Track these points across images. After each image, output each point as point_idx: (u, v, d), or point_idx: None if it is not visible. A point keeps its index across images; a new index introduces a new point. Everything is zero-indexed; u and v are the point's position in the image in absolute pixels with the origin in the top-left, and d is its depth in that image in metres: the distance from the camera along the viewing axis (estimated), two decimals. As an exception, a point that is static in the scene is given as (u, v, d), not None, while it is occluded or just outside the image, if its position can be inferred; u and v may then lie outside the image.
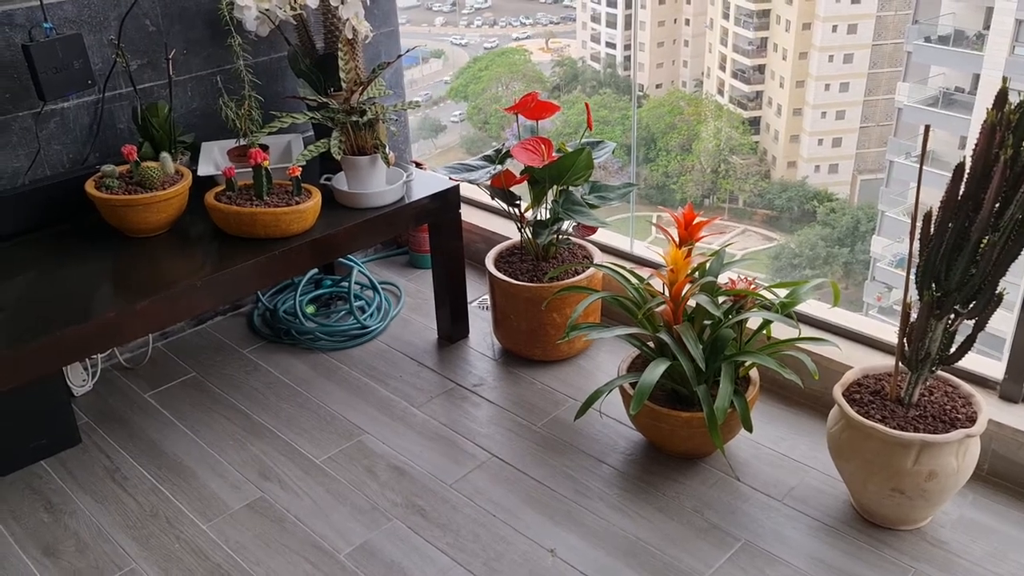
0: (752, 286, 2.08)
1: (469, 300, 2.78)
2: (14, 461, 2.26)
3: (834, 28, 18.04)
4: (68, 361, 1.95)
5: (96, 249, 2.20)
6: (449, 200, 2.52)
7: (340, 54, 2.36)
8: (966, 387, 1.94)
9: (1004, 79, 1.60)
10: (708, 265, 2.13)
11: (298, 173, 2.22)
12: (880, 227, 15.13)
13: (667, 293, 2.07)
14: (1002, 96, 1.59)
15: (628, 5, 21.10)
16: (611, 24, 21.56)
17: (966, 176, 1.66)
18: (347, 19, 2.41)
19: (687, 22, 21.06)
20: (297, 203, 2.21)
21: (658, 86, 21.47)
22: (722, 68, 20.33)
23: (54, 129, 2.32)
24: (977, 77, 13.01)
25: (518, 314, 2.52)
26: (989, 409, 2.00)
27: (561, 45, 22.12)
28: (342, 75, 2.35)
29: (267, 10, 2.41)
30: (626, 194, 2.53)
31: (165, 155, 2.25)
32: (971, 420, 1.86)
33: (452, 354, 2.67)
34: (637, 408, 1.88)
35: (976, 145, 1.64)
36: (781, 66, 19.04)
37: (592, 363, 2.59)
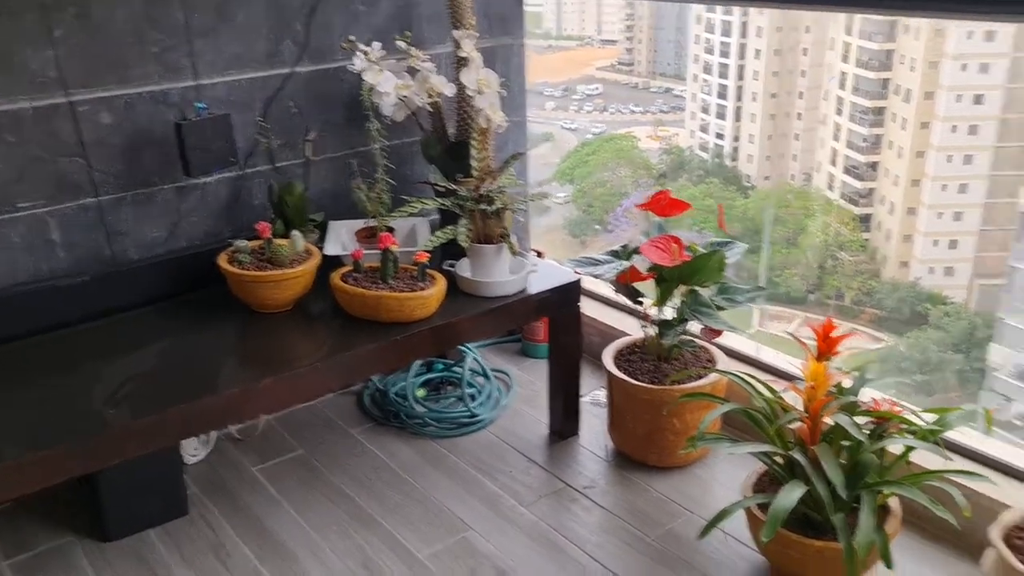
0: (896, 408, 1.94)
1: (584, 395, 2.70)
2: (124, 527, 2.26)
3: (953, 128, 17.62)
4: (191, 434, 1.96)
5: (223, 321, 2.23)
6: (570, 294, 2.47)
7: (473, 142, 2.37)
8: None
9: None
10: (850, 383, 2.00)
11: (425, 259, 2.21)
12: (1000, 335, 14.39)
13: (803, 409, 1.94)
14: None
15: (739, 98, 21.19)
16: (720, 116, 21.64)
17: None
18: (482, 108, 2.42)
19: (799, 116, 20.97)
20: (422, 289, 2.20)
21: (766, 178, 21.29)
22: (833, 163, 20.07)
23: (194, 203, 2.39)
24: (1110, 184, 12.42)
25: (636, 416, 2.42)
26: None
27: (669, 133, 22.27)
28: (474, 163, 2.36)
29: (405, 96, 2.45)
30: (755, 297, 2.43)
31: (296, 233, 2.28)
32: None
33: (562, 451, 2.58)
34: (771, 535, 1.74)
35: None
36: (896, 164, 18.65)
37: (709, 473, 2.46)
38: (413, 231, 2.57)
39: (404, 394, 2.76)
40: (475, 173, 2.37)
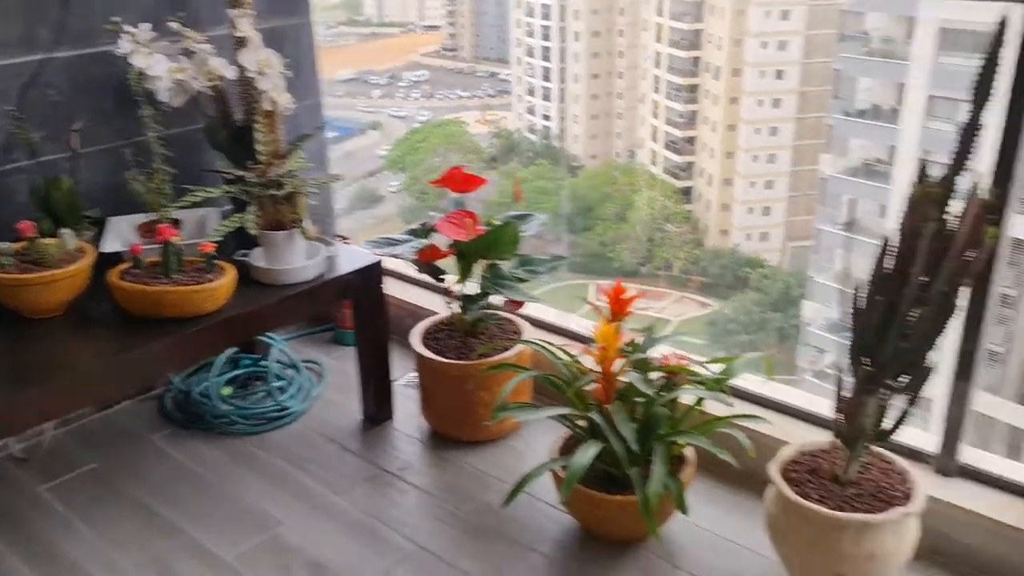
0: (684, 362, 2.03)
1: (396, 379, 2.67)
2: None
3: (759, 102, 18.70)
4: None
5: (-13, 332, 2.04)
6: (372, 275, 2.43)
7: (257, 126, 2.28)
8: (901, 463, 1.90)
9: (923, 153, 1.59)
10: (641, 341, 2.07)
11: (211, 249, 2.11)
12: (811, 292, 15.48)
13: (598, 370, 1.99)
14: (922, 171, 1.58)
15: (562, 80, 21.58)
16: (546, 97, 21.99)
17: (894, 250, 1.64)
18: (265, 91, 2.33)
19: (620, 96, 21.60)
20: (209, 281, 2.10)
21: (593, 157, 21.86)
22: (654, 139, 20.83)
23: (-55, 204, 2.18)
24: (893, 149, 13.53)
25: (446, 393, 2.42)
26: (925, 485, 1.96)
27: (498, 117, 22.45)
28: (259, 147, 2.27)
29: (181, 80, 2.33)
30: (555, 267, 2.48)
31: (65, 231, 2.12)
32: (908, 497, 1.81)
33: (376, 437, 2.54)
34: (567, 494, 1.78)
35: (903, 220, 1.62)
36: (711, 138, 19.60)
37: (524, 443, 2.49)
38: (203, 222, 2.44)
39: (208, 394, 2.64)
40: (262, 158, 2.28)
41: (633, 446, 1.84)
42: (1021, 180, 1.75)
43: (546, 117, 23.00)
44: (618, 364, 1.99)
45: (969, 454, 2.04)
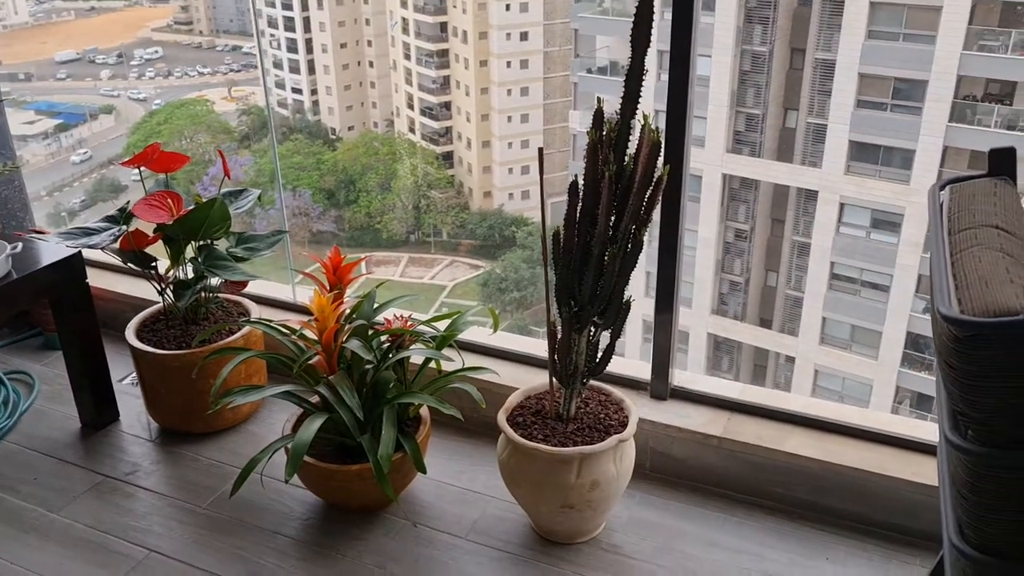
0: (408, 323, 2.03)
1: (118, 378, 2.48)
2: None
3: (508, 64, 19.18)
4: None
5: None
6: (72, 269, 2.23)
7: (-96, 114, 2.00)
8: (617, 393, 2.01)
9: (598, 99, 1.67)
10: (360, 308, 2.04)
11: None
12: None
13: (318, 342, 1.95)
14: (599, 116, 1.66)
15: (309, 50, 20.94)
16: (295, 69, 21.26)
17: (581, 193, 1.72)
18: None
19: (371, 64, 21.31)
20: None
21: (350, 128, 21.49)
22: (410, 106, 20.81)
23: None
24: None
25: (169, 386, 2.28)
26: (641, 409, 2.10)
27: (245, 93, 21.43)
28: (-91, 138, 1.99)
29: None
30: (276, 243, 2.39)
31: None
32: (623, 425, 1.93)
33: (99, 443, 2.35)
34: (292, 471, 1.73)
35: (585, 166, 1.70)
36: (465, 102, 19.88)
37: (263, 427, 2.40)
38: None
39: None
40: (-86, 150, 2.01)
41: (358, 413, 1.82)
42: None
43: (296, 90, 22.27)
44: (338, 335, 1.96)
45: (680, 377, 2.21)
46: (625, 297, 1.78)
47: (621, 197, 1.70)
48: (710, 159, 12.93)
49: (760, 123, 13.04)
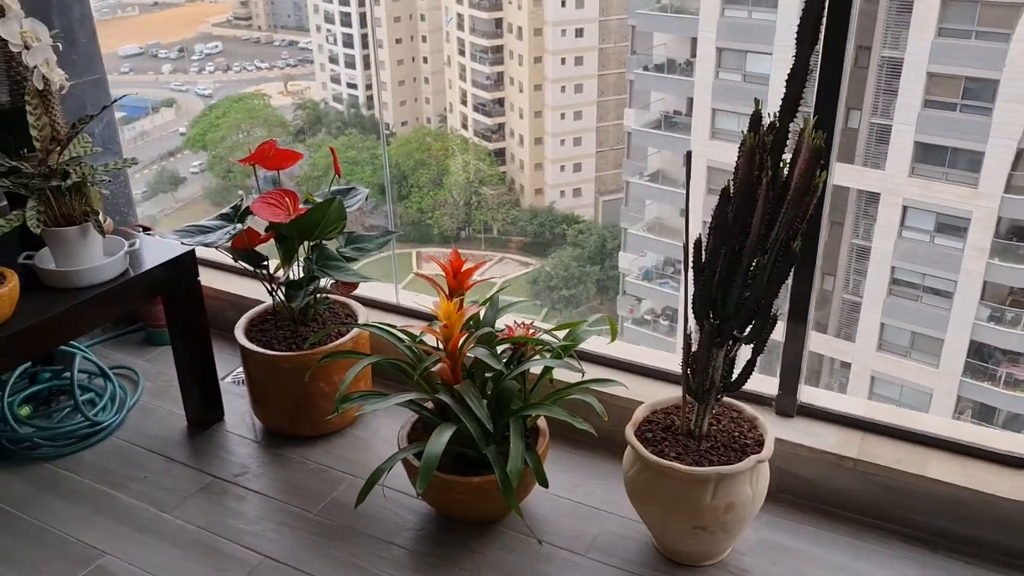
0: (530, 331, 1.96)
1: (221, 376, 2.46)
2: None
3: (562, 60, 19.05)
4: None
5: None
6: (185, 267, 2.20)
7: (29, 108, 1.99)
8: (749, 410, 1.93)
9: (756, 101, 1.59)
10: (483, 314, 1.98)
11: (-16, 255, 1.82)
12: (625, 244, 16.08)
13: (443, 349, 1.89)
14: (756, 118, 1.58)
15: (365, 45, 21.03)
16: (350, 64, 21.38)
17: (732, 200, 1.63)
18: (35, 67, 2.03)
19: (425, 60, 21.34)
20: (-14, 291, 1.81)
21: (404, 123, 21.54)
22: (463, 103, 20.81)
23: None
24: (691, 100, 14.16)
25: (279, 388, 2.24)
26: (773, 429, 2.01)
27: (301, 88, 21.61)
28: (33, 132, 1.97)
29: (-74, 60, 1.98)
30: (385, 243, 2.34)
31: None
32: (759, 444, 1.84)
33: (206, 442, 2.33)
34: (425, 485, 1.68)
35: (737, 168, 1.61)
36: (519, 98, 19.81)
37: (369, 431, 2.36)
38: (-28, 223, 2.11)
39: (2, 416, 2.32)
40: (37, 144, 1.99)
41: (488, 425, 1.76)
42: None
43: (351, 85, 22.39)
44: (462, 341, 1.90)
45: (807, 393, 2.11)
46: (773, 311, 1.69)
47: (774, 205, 1.61)
48: (768, 160, 12.69)
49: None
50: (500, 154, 20.45)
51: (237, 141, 18.69)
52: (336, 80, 21.65)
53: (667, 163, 15.17)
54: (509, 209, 19.70)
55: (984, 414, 11.94)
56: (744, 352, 1.79)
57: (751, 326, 1.71)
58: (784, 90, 1.56)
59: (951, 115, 11.25)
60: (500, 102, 20.29)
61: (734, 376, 1.81)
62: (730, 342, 1.75)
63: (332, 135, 20.25)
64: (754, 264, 1.65)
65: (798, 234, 1.63)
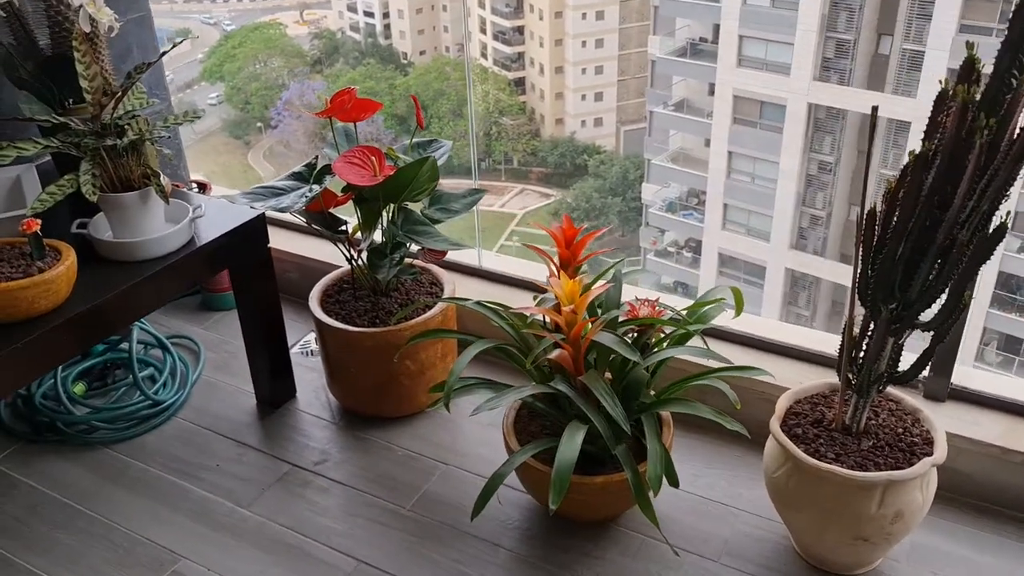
0: (656, 309, 1.71)
1: (289, 347, 2.23)
2: None
3: (584, -14, 18.33)
4: None
5: None
6: (254, 234, 1.95)
7: (76, 55, 1.71)
8: (910, 400, 1.69)
9: (968, 44, 1.30)
10: (607, 294, 1.73)
11: (36, 228, 1.58)
12: (648, 174, 15.71)
13: (560, 333, 1.64)
14: (969, 66, 1.29)
15: (382, -29, 20.30)
16: (366, -9, 20.67)
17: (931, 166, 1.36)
18: (80, 5, 1.75)
19: (443, -12, 20.60)
20: (40, 271, 1.58)
21: (422, 53, 20.94)
22: (483, 31, 20.17)
23: None
24: (717, 27, 13.61)
25: (361, 366, 2.01)
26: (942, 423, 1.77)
27: (317, 17, 20.96)
28: (83, 83, 1.71)
29: (-44, -2, 1.71)
30: (474, 203, 2.07)
31: None
32: (927, 442, 1.60)
33: (279, 423, 2.12)
34: (559, 500, 1.46)
35: (938, 126, 1.34)
36: (539, 26, 19.16)
37: (456, 410, 2.11)
38: (16, 188, 1.88)
39: (56, 395, 2.11)
40: (89, 96, 1.72)
41: (624, 426, 1.53)
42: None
43: (368, 13, 21.69)
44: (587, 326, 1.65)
45: (959, 373, 1.87)
46: (965, 296, 1.43)
47: (980, 172, 1.34)
48: (796, 87, 12.19)
49: (851, 49, 12.23)
50: (520, 84, 19.90)
51: (254, 72, 18.21)
52: (353, 9, 21.00)
53: (692, 92, 14.73)
54: (529, 140, 19.26)
55: (1010, 345, 11.56)
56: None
57: (934, 312, 1.46)
58: (1007, 29, 1.27)
59: (988, 39, 10.71)
60: (520, 30, 19.66)
61: (902, 366, 1.56)
62: (908, 330, 1.50)
63: (350, 65, 19.71)
64: (960, 239, 1.38)
65: (997, 207, 1.37)
